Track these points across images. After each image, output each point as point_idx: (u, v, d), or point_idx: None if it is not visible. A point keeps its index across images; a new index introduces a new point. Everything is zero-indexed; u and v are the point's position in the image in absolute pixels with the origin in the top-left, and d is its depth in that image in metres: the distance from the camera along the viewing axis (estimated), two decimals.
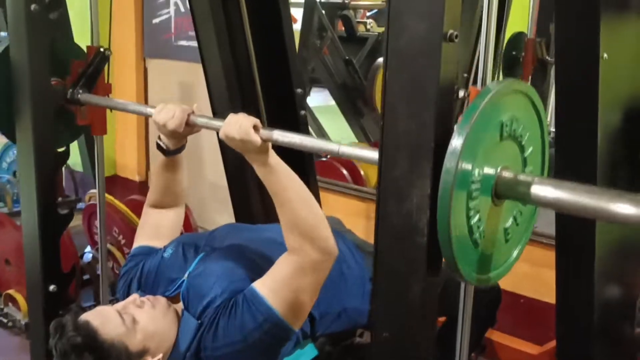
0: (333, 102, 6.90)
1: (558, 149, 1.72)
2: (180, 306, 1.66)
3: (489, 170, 1.15)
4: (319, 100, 5.69)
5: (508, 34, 3.22)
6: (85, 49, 2.26)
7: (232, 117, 1.57)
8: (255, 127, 1.54)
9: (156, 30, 4.18)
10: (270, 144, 1.57)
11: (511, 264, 1.32)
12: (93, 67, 2.17)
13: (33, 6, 1.98)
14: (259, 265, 1.70)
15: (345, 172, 3.88)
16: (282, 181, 1.60)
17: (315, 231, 1.58)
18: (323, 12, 4.57)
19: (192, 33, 3.95)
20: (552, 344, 2.40)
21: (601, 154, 1.63)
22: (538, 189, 1.13)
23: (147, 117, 1.87)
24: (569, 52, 1.55)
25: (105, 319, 1.52)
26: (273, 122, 2.61)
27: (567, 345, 1.89)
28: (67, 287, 2.11)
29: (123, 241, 3.10)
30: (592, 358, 1.83)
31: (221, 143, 2.56)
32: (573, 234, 1.77)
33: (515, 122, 1.19)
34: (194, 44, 3.93)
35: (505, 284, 2.17)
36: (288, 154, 2.54)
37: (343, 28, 5.18)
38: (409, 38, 1.11)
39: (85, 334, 1.47)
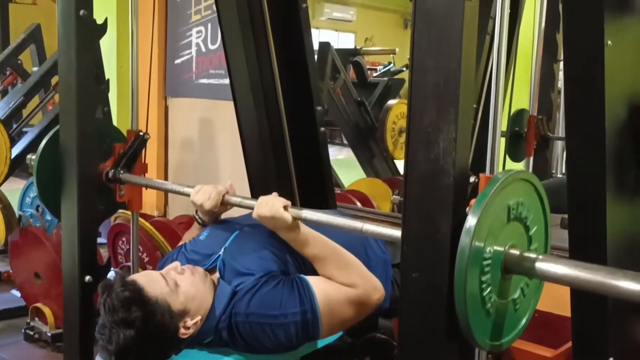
0: (341, 156, 7.08)
1: (567, 137, 1.84)
2: (216, 276, 1.77)
3: (498, 248, 1.29)
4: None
5: (512, 111, 3.34)
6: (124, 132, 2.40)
7: (263, 199, 1.75)
8: (285, 207, 1.71)
9: (178, 70, 4.39)
10: (299, 223, 1.74)
11: (520, 331, 1.44)
12: (133, 150, 2.32)
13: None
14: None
15: (358, 203, 4.02)
16: (315, 247, 1.75)
17: (364, 271, 1.76)
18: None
19: (213, 71, 4.18)
20: (567, 346, 2.46)
21: (609, 143, 1.74)
22: (542, 265, 1.27)
23: (185, 195, 2.05)
24: (576, 40, 1.70)
25: (150, 279, 1.63)
26: (295, 136, 2.77)
27: (583, 344, 1.96)
28: (101, 279, 2.19)
29: (147, 259, 3.20)
30: (607, 355, 1.89)
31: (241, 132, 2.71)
32: (585, 234, 1.87)
33: (521, 205, 1.34)
34: (214, 81, 4.17)
35: None
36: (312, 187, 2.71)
37: (354, 75, 5.41)
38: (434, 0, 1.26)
39: (133, 289, 1.58)
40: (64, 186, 2.20)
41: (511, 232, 1.33)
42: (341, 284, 1.72)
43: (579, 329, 1.93)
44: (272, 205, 1.70)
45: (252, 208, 1.78)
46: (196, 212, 2.00)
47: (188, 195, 1.99)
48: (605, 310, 1.85)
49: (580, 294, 1.88)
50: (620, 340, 1.90)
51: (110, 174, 2.27)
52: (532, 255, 1.30)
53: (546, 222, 1.45)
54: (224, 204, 1.91)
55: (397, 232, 1.42)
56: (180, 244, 2.07)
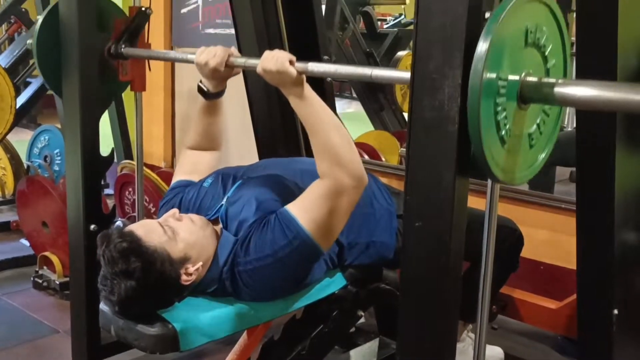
0: (350, 110, 7.02)
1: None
2: (219, 227, 1.76)
3: (514, 74, 1.22)
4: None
5: None
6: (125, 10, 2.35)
7: (268, 53, 1.66)
8: (290, 61, 1.63)
9: (184, 19, 4.31)
10: (304, 78, 1.66)
11: (536, 169, 1.38)
12: (135, 24, 2.23)
13: None
14: (292, 191, 1.79)
15: (366, 157, 3.99)
16: (316, 111, 1.67)
17: (346, 156, 1.65)
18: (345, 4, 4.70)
19: (219, 21, 4.11)
20: (571, 298, 2.46)
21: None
22: (562, 89, 1.19)
23: (189, 62, 1.90)
24: None
25: (148, 229, 1.62)
26: None
27: (587, 295, 1.95)
28: (106, 228, 2.19)
29: (153, 209, 3.21)
30: (612, 306, 1.88)
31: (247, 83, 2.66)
32: (594, 186, 1.84)
33: (539, 31, 1.26)
34: (221, 31, 4.10)
35: (525, 251, 2.23)
36: None
37: (363, 25, 5.32)
38: None
39: (131, 240, 1.57)
40: (65, 62, 2.14)
41: (528, 59, 1.24)
42: (321, 174, 1.67)
43: (583, 281, 1.93)
44: (277, 59, 1.62)
45: (256, 67, 1.69)
46: (200, 81, 1.90)
47: (192, 61, 1.88)
48: (610, 262, 1.83)
49: (585, 245, 1.87)
50: (624, 292, 1.89)
51: (112, 49, 2.20)
52: (551, 80, 1.21)
53: (565, 52, 1.35)
54: (229, 66, 1.82)
55: (406, 75, 1.34)
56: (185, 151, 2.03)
